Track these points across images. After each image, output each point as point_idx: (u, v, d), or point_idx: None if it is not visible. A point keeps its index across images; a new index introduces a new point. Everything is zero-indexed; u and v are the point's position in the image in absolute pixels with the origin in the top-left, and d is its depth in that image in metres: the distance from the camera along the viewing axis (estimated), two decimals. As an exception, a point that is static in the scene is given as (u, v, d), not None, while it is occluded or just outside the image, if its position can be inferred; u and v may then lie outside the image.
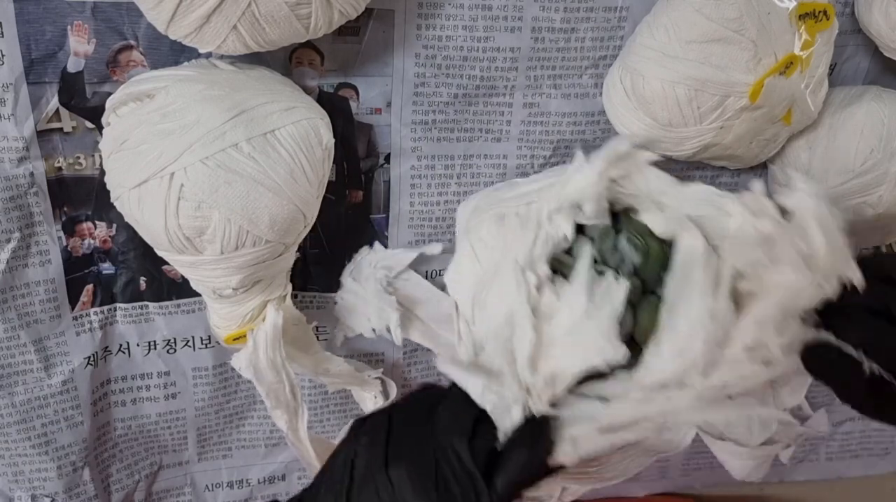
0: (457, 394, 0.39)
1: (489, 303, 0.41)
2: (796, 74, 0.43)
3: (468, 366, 0.38)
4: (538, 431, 0.38)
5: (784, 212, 0.39)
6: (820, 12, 0.43)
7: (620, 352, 0.37)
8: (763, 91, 0.42)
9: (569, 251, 0.42)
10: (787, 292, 0.37)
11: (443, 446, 0.37)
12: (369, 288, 0.48)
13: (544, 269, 0.39)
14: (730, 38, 0.41)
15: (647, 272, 0.40)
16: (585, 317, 0.37)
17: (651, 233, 0.40)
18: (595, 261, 0.40)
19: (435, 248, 0.49)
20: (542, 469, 0.38)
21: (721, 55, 0.41)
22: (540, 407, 0.37)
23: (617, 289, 0.37)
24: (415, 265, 0.49)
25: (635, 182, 0.42)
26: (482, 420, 0.38)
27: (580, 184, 0.40)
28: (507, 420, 0.37)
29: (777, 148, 0.48)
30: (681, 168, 0.50)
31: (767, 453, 0.51)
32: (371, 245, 0.49)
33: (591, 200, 0.39)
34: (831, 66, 0.48)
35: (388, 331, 0.47)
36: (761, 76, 0.41)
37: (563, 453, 0.38)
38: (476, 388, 0.37)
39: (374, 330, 0.47)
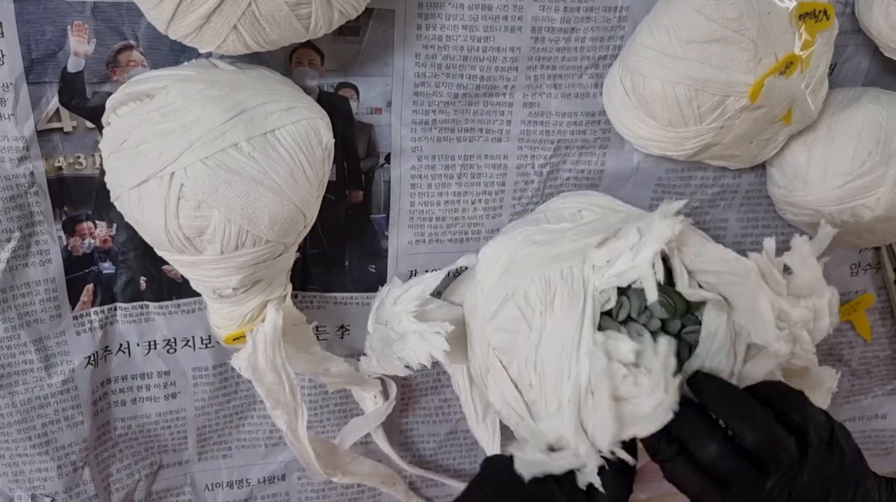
0: None
1: (547, 368, 0.42)
2: (796, 74, 0.43)
3: (548, 460, 0.40)
4: (618, 471, 0.40)
5: (787, 267, 0.43)
6: (820, 12, 0.43)
7: (678, 401, 0.39)
8: (763, 91, 0.42)
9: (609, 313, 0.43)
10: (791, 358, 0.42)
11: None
12: (401, 325, 0.46)
13: (629, 358, 0.40)
14: (730, 38, 0.41)
15: (669, 324, 0.43)
16: (664, 394, 0.39)
17: (678, 293, 0.43)
18: (630, 318, 0.43)
19: (470, 259, 0.48)
20: (629, 494, 0.41)
21: (721, 55, 0.41)
22: (623, 457, 0.40)
23: (668, 349, 0.40)
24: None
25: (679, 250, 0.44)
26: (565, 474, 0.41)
27: (637, 264, 0.41)
28: (588, 475, 0.40)
29: (777, 148, 0.48)
30: (681, 168, 0.50)
31: None
32: (385, 281, 0.50)
33: (650, 283, 0.41)
34: (831, 65, 0.48)
35: (430, 360, 0.44)
36: (761, 76, 0.41)
37: None
38: (559, 468, 0.40)
39: (408, 366, 0.45)
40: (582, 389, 0.40)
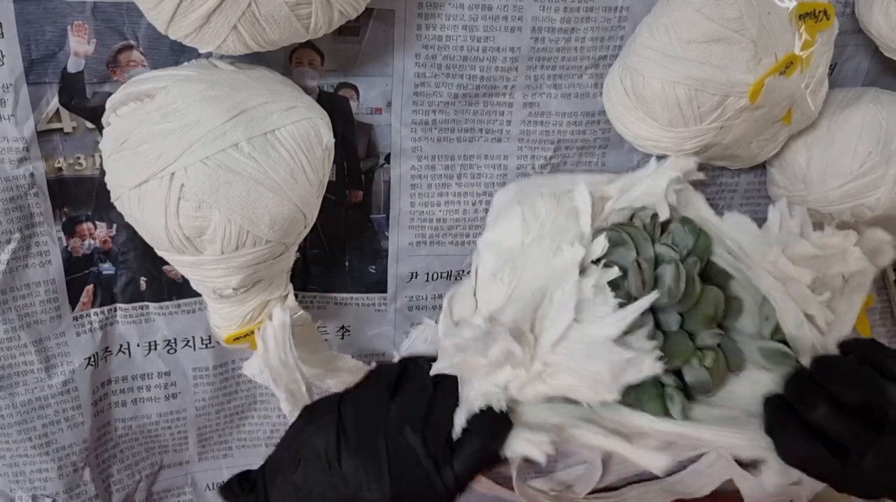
0: (415, 379, 0.40)
1: (527, 268, 0.41)
2: (796, 74, 0.43)
3: (489, 328, 0.38)
4: (494, 421, 0.38)
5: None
6: (820, 12, 0.43)
7: (611, 399, 0.38)
8: (763, 91, 0.42)
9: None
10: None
11: (395, 436, 0.38)
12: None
13: (606, 276, 0.40)
14: (730, 38, 0.41)
15: (699, 251, 0.43)
16: (607, 351, 0.38)
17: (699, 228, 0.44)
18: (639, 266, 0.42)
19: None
20: (496, 458, 0.38)
21: (721, 55, 0.41)
22: (538, 389, 0.38)
23: (650, 361, 0.39)
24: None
25: (685, 208, 0.45)
26: (436, 406, 0.39)
27: (654, 186, 0.43)
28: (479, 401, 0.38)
29: (777, 148, 0.48)
30: (681, 168, 0.50)
31: (790, 493, 0.50)
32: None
33: (664, 203, 0.43)
34: (831, 65, 0.48)
35: None
36: (761, 76, 0.41)
37: (523, 445, 0.38)
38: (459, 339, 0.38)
39: None
40: (545, 295, 0.40)
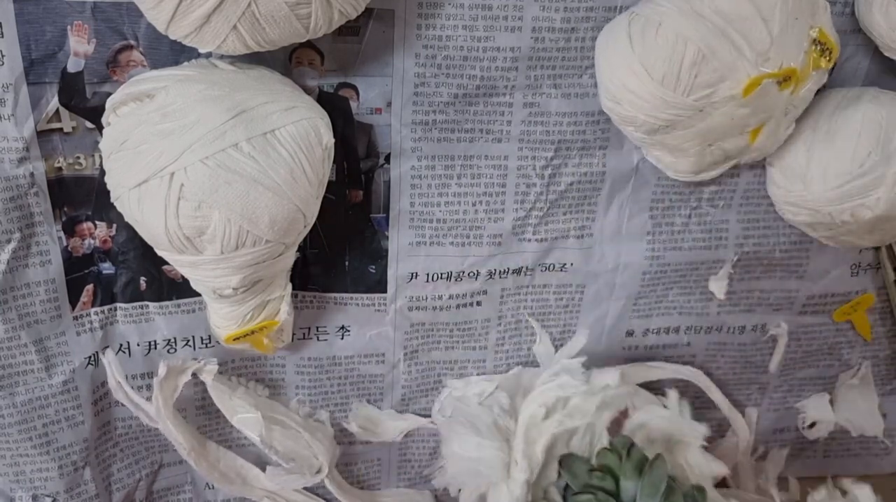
0: None
1: None
2: (787, 93, 0.43)
3: None
4: None
5: None
6: (827, 49, 0.42)
7: None
8: (757, 90, 0.41)
9: None
10: None
11: None
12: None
13: None
14: (755, 23, 0.40)
15: None
16: None
17: None
18: None
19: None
20: None
21: (740, 34, 0.41)
22: None
23: None
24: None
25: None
26: None
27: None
28: None
29: (720, 172, 0.48)
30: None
31: None
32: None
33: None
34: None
35: None
36: (762, 74, 0.41)
37: None
38: None
39: None
40: None
